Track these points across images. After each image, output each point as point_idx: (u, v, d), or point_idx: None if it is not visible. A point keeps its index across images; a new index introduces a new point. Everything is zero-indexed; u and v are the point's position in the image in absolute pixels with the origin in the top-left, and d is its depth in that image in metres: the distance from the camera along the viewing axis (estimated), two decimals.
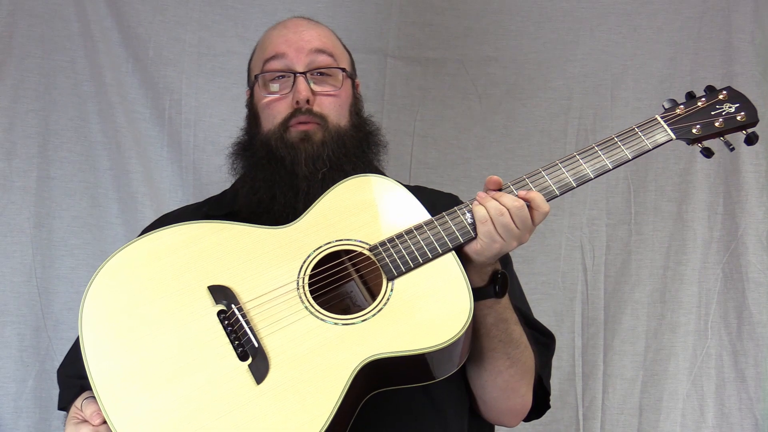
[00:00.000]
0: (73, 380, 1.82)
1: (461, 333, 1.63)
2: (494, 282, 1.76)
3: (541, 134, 2.88)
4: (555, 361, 2.02)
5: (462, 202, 2.06)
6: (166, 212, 2.16)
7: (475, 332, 1.78)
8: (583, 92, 2.88)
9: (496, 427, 2.01)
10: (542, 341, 1.97)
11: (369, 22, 2.87)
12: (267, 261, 1.71)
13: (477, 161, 2.86)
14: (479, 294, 1.75)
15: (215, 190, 2.14)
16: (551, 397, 1.99)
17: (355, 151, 1.96)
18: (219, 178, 2.10)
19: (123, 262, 1.70)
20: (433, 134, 2.88)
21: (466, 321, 1.64)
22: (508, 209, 1.70)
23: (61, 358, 2.02)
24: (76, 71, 2.77)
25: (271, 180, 1.92)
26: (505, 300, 1.79)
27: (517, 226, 1.70)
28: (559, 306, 2.84)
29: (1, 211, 2.71)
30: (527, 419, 1.97)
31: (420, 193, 2.07)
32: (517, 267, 2.04)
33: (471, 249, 1.72)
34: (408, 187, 2.11)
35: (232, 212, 1.98)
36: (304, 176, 1.90)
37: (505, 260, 2.00)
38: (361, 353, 1.61)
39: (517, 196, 1.72)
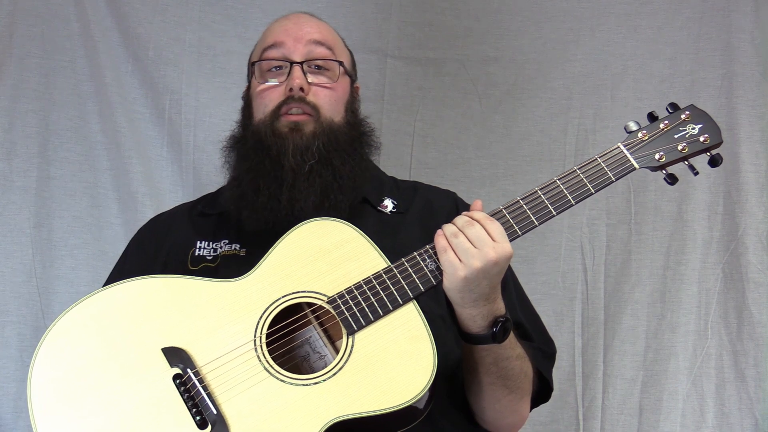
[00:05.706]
0: None
1: (425, 390, 1.59)
2: (493, 327, 1.70)
3: (541, 134, 2.87)
4: (555, 361, 2.02)
5: (460, 200, 2.06)
6: (161, 213, 2.15)
7: (472, 370, 1.77)
8: (583, 92, 2.88)
9: None
10: (546, 352, 1.96)
11: (369, 22, 2.87)
12: (222, 317, 1.65)
13: (477, 161, 2.86)
14: (475, 339, 1.71)
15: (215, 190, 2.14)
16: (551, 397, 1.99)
17: (347, 147, 1.92)
18: (219, 178, 2.10)
19: (72, 323, 1.63)
20: (433, 134, 2.88)
21: (430, 378, 1.60)
22: (458, 228, 1.66)
23: None
24: (76, 71, 2.77)
25: (254, 170, 1.88)
26: (507, 341, 1.74)
27: (473, 245, 1.65)
28: (559, 306, 2.83)
29: (1, 211, 2.72)
30: (535, 406, 1.96)
31: (417, 190, 2.07)
32: (517, 267, 2.04)
33: (444, 287, 1.68)
34: (405, 182, 2.11)
35: (225, 211, 1.96)
36: (290, 168, 1.85)
37: None
38: (323, 416, 1.56)
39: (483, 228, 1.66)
